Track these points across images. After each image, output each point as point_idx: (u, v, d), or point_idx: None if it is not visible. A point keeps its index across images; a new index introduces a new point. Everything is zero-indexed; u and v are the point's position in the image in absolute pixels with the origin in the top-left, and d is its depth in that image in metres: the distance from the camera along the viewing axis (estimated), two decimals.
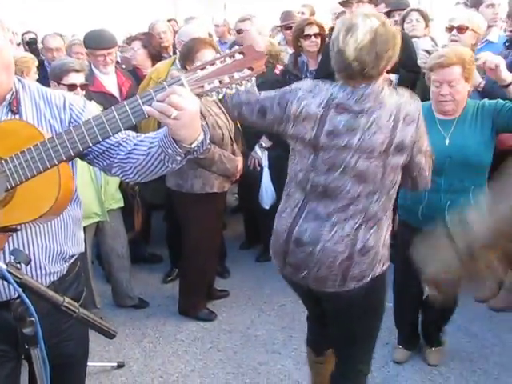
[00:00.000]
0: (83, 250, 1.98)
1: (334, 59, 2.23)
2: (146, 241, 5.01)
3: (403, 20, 4.74)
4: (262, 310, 4.11)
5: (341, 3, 4.45)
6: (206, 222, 3.79)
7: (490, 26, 4.28)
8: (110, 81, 4.44)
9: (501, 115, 2.87)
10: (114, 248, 3.98)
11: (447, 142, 2.95)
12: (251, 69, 1.52)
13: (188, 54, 3.60)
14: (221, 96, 1.56)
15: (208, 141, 1.65)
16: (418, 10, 4.84)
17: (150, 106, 1.49)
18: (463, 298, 3.24)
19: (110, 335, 1.45)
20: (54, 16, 10.01)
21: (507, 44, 3.75)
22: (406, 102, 2.22)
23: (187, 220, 3.90)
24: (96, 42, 4.33)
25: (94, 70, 4.38)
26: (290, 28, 5.36)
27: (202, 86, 1.51)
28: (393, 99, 2.22)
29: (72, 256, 1.89)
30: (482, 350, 3.51)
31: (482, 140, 2.90)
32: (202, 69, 1.52)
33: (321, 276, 2.30)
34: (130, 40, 5.61)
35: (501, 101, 2.91)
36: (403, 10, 4.96)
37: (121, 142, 1.75)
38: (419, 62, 3.81)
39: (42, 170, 1.52)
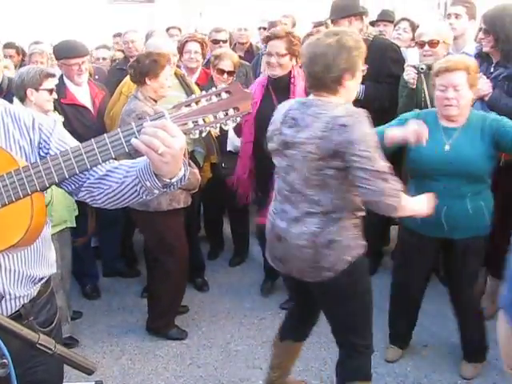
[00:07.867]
0: (55, 271, 1.90)
1: None
2: (122, 254, 4.92)
3: (394, 27, 4.81)
4: (242, 323, 4.05)
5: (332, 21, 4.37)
6: (174, 238, 3.74)
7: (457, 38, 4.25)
8: (82, 92, 4.34)
9: (501, 138, 2.92)
10: None
11: (447, 147, 2.98)
12: (237, 109, 1.47)
13: (154, 69, 3.57)
14: (204, 135, 1.50)
15: (187, 175, 1.61)
16: (408, 20, 4.87)
17: (134, 138, 1.44)
18: None
19: (89, 371, 1.38)
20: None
21: (478, 57, 3.75)
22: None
23: (157, 239, 3.79)
24: (69, 51, 4.22)
25: (66, 81, 4.27)
26: None
27: (186, 124, 1.46)
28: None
29: (42, 278, 1.81)
30: None
31: (481, 152, 2.94)
32: (186, 105, 1.46)
33: (299, 268, 2.57)
34: None
35: (503, 121, 2.94)
36: (389, 21, 5.04)
37: None
38: (406, 77, 3.72)
39: (14, 199, 1.46)
